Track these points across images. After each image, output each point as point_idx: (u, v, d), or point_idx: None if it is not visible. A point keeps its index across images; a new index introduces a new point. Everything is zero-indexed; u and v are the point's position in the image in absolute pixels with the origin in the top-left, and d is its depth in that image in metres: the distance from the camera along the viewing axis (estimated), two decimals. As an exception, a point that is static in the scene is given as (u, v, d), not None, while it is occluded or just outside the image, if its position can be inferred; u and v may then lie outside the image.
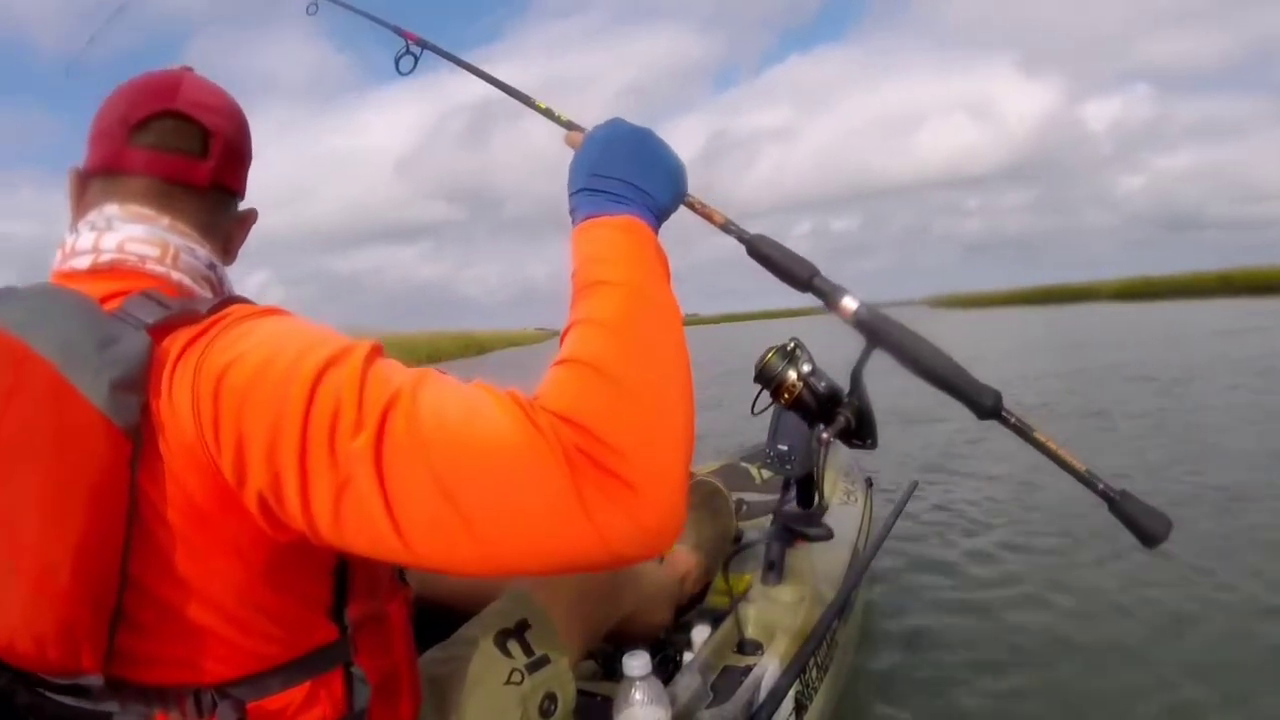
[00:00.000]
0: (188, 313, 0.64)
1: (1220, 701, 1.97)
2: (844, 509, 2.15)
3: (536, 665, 0.99)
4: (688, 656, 1.34)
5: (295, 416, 0.56)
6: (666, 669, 1.31)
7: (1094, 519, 3.49)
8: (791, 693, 1.31)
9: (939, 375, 0.91)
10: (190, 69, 0.80)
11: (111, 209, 0.72)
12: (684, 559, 1.53)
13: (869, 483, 2.49)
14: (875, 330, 0.92)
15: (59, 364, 0.58)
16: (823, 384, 1.24)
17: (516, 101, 1.09)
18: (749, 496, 2.07)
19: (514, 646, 0.99)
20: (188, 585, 0.63)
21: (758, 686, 1.25)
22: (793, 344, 1.28)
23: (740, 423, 1.36)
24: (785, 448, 1.65)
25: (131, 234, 0.71)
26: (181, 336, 0.62)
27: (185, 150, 0.74)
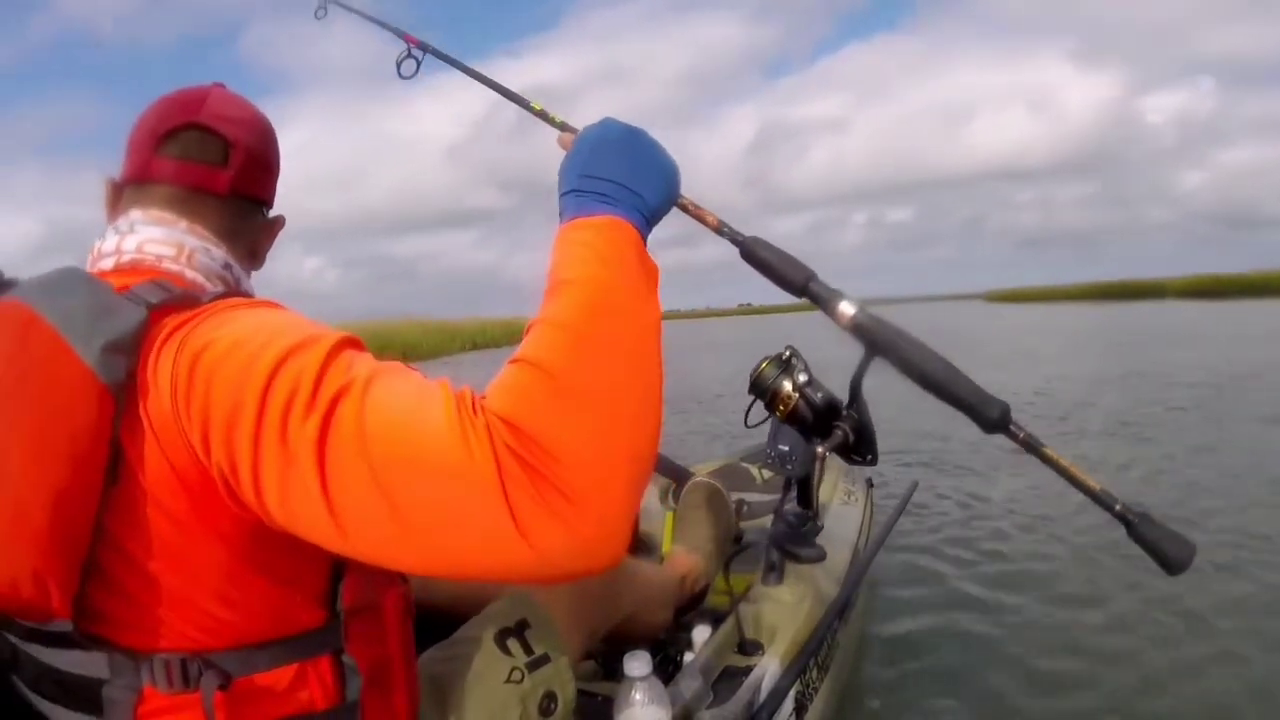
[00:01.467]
0: (188, 298, 0.67)
1: (1223, 704, 1.97)
2: (844, 509, 2.15)
3: (536, 664, 0.99)
4: (688, 657, 1.34)
5: (254, 395, 0.57)
6: (667, 669, 1.31)
7: (1099, 520, 3.49)
8: (792, 693, 1.32)
9: (942, 386, 0.87)
10: (222, 85, 0.85)
11: (135, 214, 0.77)
12: (683, 560, 1.53)
13: (869, 483, 2.49)
14: (875, 338, 0.89)
15: (59, 327, 0.62)
16: (820, 395, 1.19)
17: (537, 108, 1.09)
18: (750, 497, 2.07)
19: (514, 645, 0.99)
20: (169, 553, 0.65)
21: (758, 687, 1.25)
22: (789, 352, 1.23)
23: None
24: (786, 448, 1.65)
25: (150, 235, 0.76)
26: (176, 317, 0.65)
27: (207, 160, 0.79)
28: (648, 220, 0.67)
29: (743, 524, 1.90)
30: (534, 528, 0.52)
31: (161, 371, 0.62)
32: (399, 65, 1.23)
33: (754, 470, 2.42)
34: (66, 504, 0.61)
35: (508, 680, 0.96)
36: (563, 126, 0.91)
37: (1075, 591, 2.70)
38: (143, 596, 0.66)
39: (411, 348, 21.11)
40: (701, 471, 2.30)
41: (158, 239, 0.76)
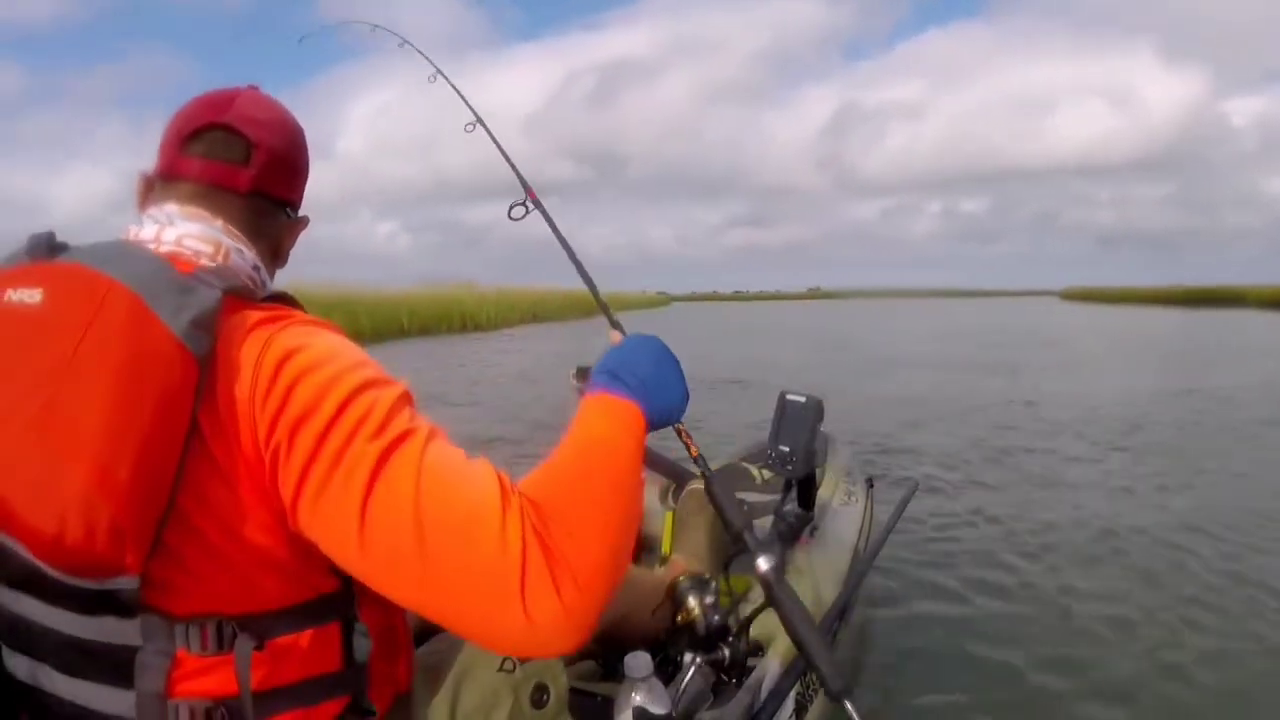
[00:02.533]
0: (248, 290, 0.75)
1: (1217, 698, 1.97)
2: (844, 510, 2.15)
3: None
4: (688, 657, 1.34)
5: (333, 405, 0.67)
6: (667, 670, 1.31)
7: (1095, 522, 3.51)
8: (792, 694, 1.31)
9: (804, 643, 1.06)
10: (255, 87, 0.89)
11: (171, 208, 0.80)
12: (679, 565, 1.54)
13: (869, 483, 2.48)
14: (772, 593, 1.06)
15: (143, 295, 0.66)
16: (716, 618, 1.35)
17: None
18: (750, 497, 2.06)
19: None
20: (225, 521, 0.68)
21: (758, 688, 1.25)
22: (710, 577, 1.42)
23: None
24: (786, 448, 1.65)
25: (188, 230, 0.79)
26: (251, 313, 0.72)
27: (230, 159, 0.82)
28: (650, 421, 0.80)
29: (743, 524, 1.90)
30: (536, 601, 0.63)
31: (245, 357, 0.68)
32: (510, 210, 1.39)
33: (754, 470, 2.42)
34: (150, 463, 0.63)
35: (500, 669, 0.97)
36: (615, 324, 1.10)
37: (1076, 592, 2.70)
38: (189, 562, 0.69)
39: (470, 316, 20.69)
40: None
41: (195, 234, 0.79)
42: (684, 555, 1.57)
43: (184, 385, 0.65)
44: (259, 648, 0.71)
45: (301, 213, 0.91)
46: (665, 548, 1.82)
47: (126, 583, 0.65)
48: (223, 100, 0.84)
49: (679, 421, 0.90)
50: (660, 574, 1.44)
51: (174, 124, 0.84)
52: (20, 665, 0.75)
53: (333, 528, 0.66)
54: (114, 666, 0.71)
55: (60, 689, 0.73)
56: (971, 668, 2.19)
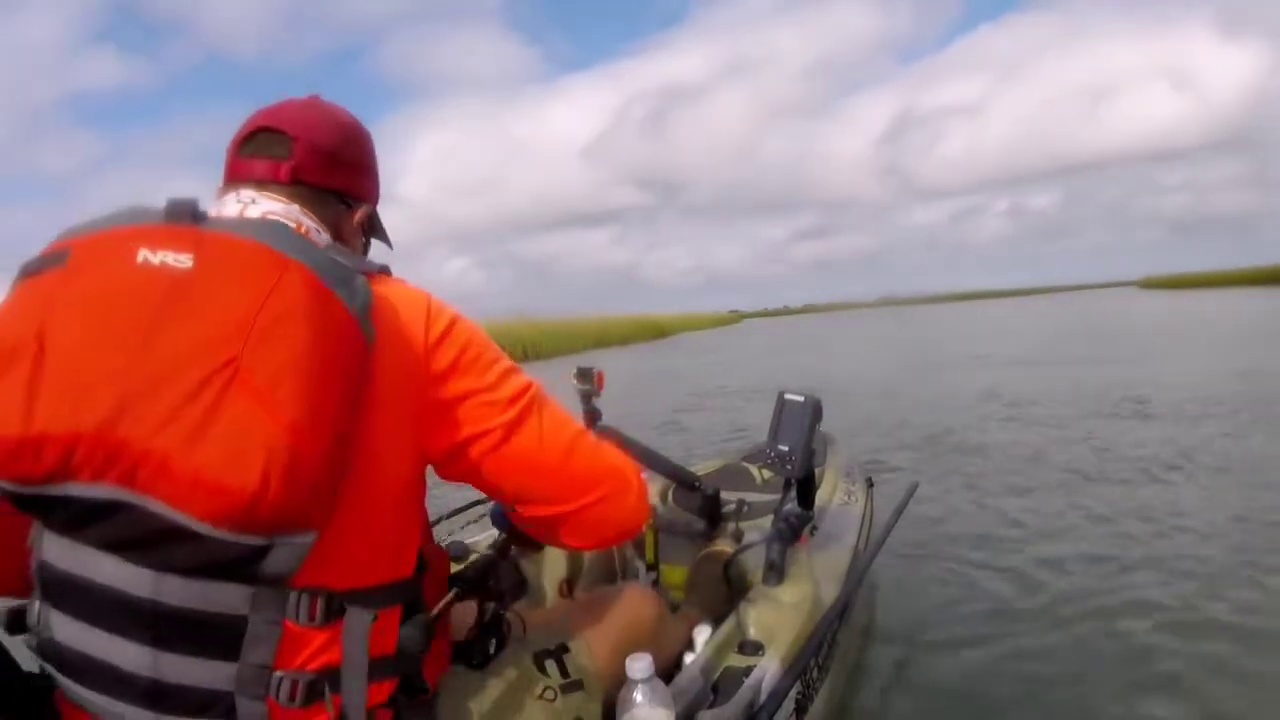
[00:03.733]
0: (374, 269, 0.82)
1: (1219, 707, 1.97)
2: (844, 510, 2.15)
3: (570, 688, 1.02)
4: (689, 657, 1.34)
5: (494, 352, 0.86)
6: (668, 670, 1.31)
7: (1101, 522, 3.51)
8: (792, 694, 1.32)
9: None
10: (316, 96, 0.95)
11: (248, 192, 0.86)
12: (694, 615, 1.56)
13: (869, 483, 2.49)
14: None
15: (319, 275, 0.70)
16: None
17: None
18: (750, 497, 2.07)
19: (551, 666, 1.02)
20: (358, 494, 0.73)
21: (759, 687, 1.26)
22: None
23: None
24: (786, 448, 1.65)
25: (271, 209, 0.85)
26: (385, 287, 0.80)
27: (273, 155, 0.88)
28: None
29: (743, 524, 1.90)
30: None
31: (410, 330, 0.79)
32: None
33: (754, 470, 2.42)
34: (340, 426, 0.68)
35: (539, 697, 0.98)
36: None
37: (1076, 593, 2.70)
38: (322, 540, 0.70)
39: (532, 346, 20.76)
40: (702, 471, 2.30)
41: (278, 212, 0.84)
42: (696, 611, 1.61)
43: (360, 361, 0.71)
44: (374, 620, 0.76)
45: (366, 206, 0.95)
46: (649, 557, 1.85)
47: (304, 537, 0.68)
48: (272, 107, 0.91)
49: None
50: (683, 629, 1.47)
51: (233, 138, 0.92)
52: (81, 635, 0.73)
53: (526, 450, 0.86)
54: (220, 637, 0.71)
55: (140, 661, 0.71)
56: (972, 668, 2.19)
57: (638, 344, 25.26)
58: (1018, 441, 5.22)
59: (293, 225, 0.83)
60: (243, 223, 0.77)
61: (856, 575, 1.73)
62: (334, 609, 0.74)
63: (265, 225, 0.76)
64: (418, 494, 0.84)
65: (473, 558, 1.71)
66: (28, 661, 0.86)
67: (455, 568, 1.69)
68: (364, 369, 0.72)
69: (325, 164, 0.90)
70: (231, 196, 0.86)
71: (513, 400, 0.85)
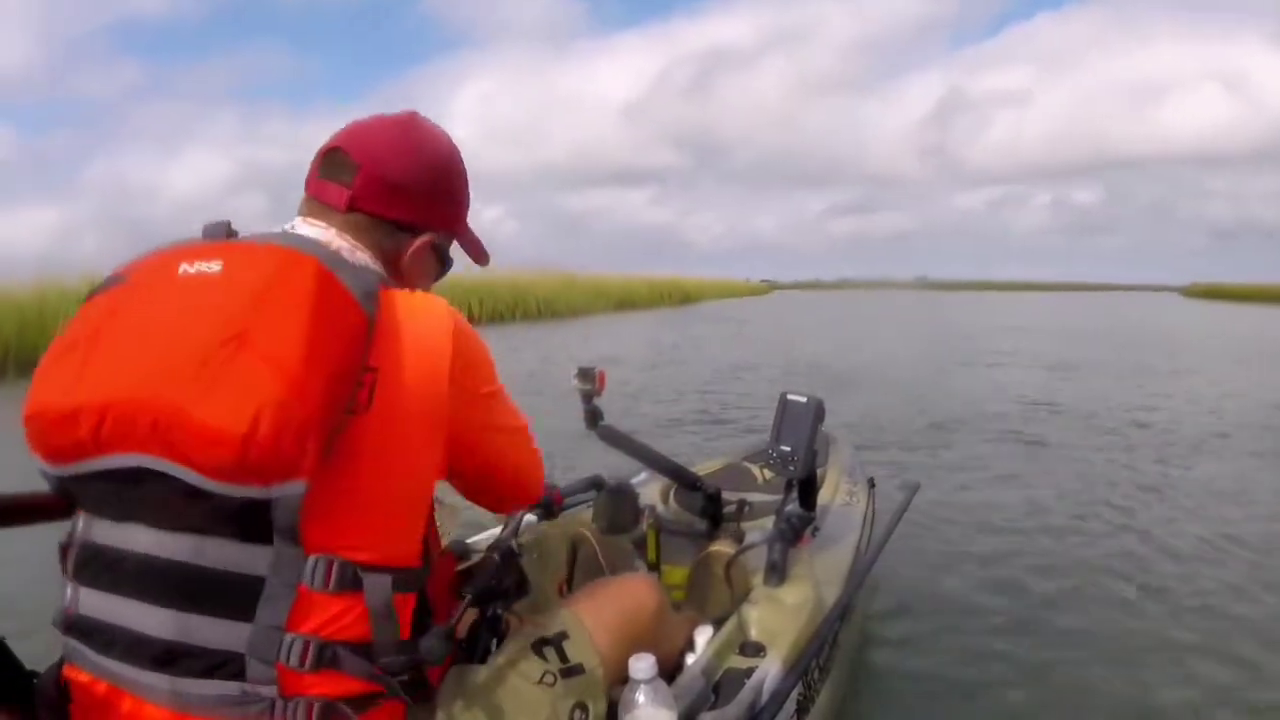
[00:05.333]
0: (383, 279, 0.87)
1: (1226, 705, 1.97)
2: (846, 510, 2.15)
3: (570, 672, 1.01)
4: (690, 658, 1.34)
5: (491, 368, 0.92)
6: (670, 670, 1.31)
7: (1095, 519, 3.51)
8: (794, 695, 1.31)
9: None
10: (413, 113, 0.98)
11: (296, 220, 0.94)
12: (695, 616, 1.56)
13: (871, 483, 2.48)
14: None
15: (324, 262, 0.79)
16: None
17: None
18: (751, 497, 2.06)
19: (550, 652, 1.02)
20: (391, 469, 0.79)
21: (760, 688, 1.25)
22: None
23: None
24: (788, 448, 1.65)
25: (306, 233, 0.90)
26: (399, 292, 0.86)
27: (338, 179, 0.92)
28: None
29: (745, 524, 1.90)
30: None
31: (418, 322, 0.83)
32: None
33: (755, 470, 2.42)
34: (332, 382, 0.74)
35: (539, 682, 0.98)
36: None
37: (1077, 593, 2.70)
38: (336, 502, 0.77)
39: (546, 304, 20.01)
40: (703, 471, 2.29)
41: (310, 237, 0.90)
42: (700, 612, 1.61)
43: (358, 333, 0.77)
44: (391, 594, 0.79)
45: (434, 236, 0.98)
46: (651, 555, 1.85)
47: (294, 488, 0.73)
48: (355, 126, 0.95)
49: None
50: (686, 627, 1.46)
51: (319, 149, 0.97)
52: (106, 606, 0.80)
53: (499, 431, 0.93)
54: (236, 597, 0.76)
55: (156, 625, 0.77)
56: (974, 669, 2.19)
57: (664, 309, 24.12)
58: (1028, 444, 5.22)
59: (324, 243, 0.88)
60: (269, 234, 0.87)
61: (858, 576, 1.73)
62: (347, 578, 0.77)
63: (289, 235, 0.87)
64: (425, 488, 0.85)
65: (474, 558, 1.72)
66: (28, 659, 0.86)
67: (458, 565, 1.70)
68: (361, 338, 0.77)
69: (388, 195, 0.92)
70: (285, 227, 0.93)
71: (504, 429, 0.96)
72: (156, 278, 0.82)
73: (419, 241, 0.96)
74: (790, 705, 1.31)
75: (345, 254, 0.89)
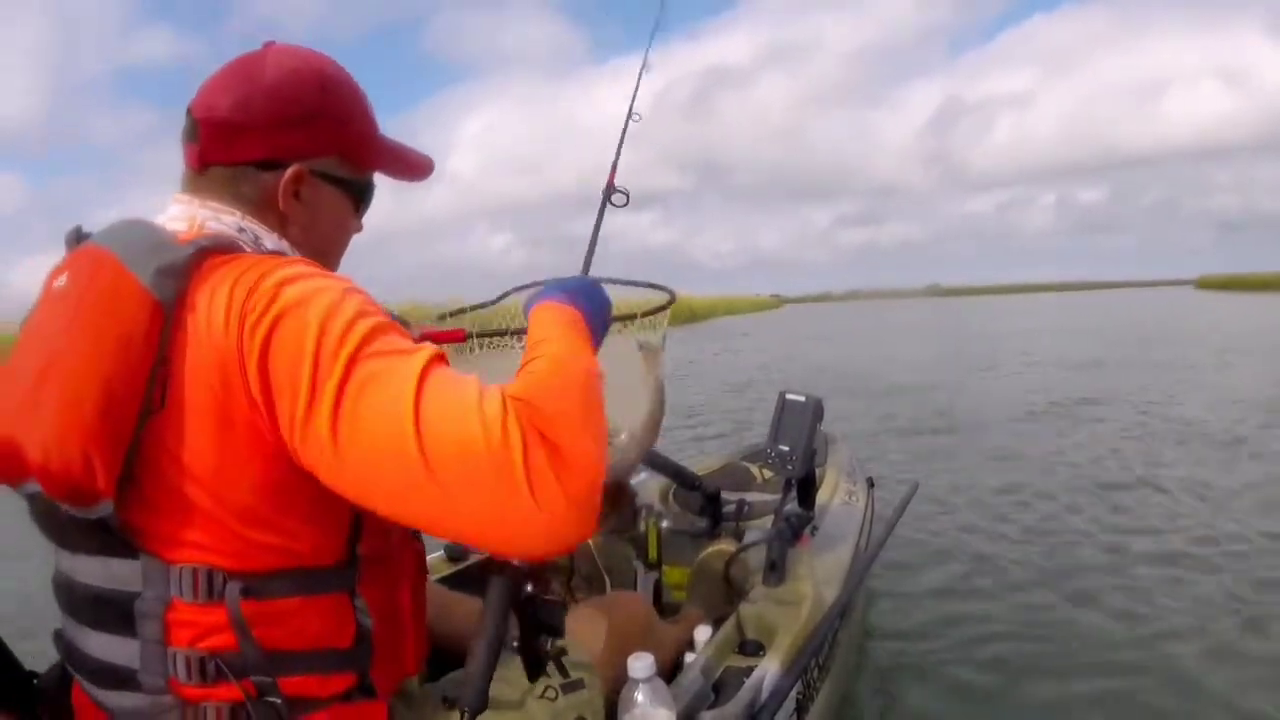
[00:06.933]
0: (231, 245, 0.77)
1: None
2: (845, 510, 2.15)
3: (571, 687, 1.01)
4: (690, 657, 1.34)
5: (327, 329, 0.69)
6: (669, 670, 1.31)
7: (1095, 521, 3.51)
8: (793, 694, 1.32)
9: None
10: (270, 43, 0.87)
11: (171, 201, 0.86)
12: (695, 617, 1.57)
13: (870, 483, 2.48)
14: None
15: (121, 257, 0.73)
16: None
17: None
18: (750, 496, 2.07)
19: (550, 667, 1.01)
20: (201, 470, 0.72)
21: (760, 687, 1.26)
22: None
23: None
24: (786, 448, 1.65)
25: (171, 214, 0.84)
26: (233, 262, 0.75)
27: (190, 140, 0.84)
28: (589, 322, 0.87)
29: (744, 524, 1.90)
30: (542, 489, 0.65)
31: (223, 297, 0.71)
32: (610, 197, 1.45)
33: (755, 470, 2.42)
34: (112, 393, 0.69)
35: (541, 696, 0.98)
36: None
37: (1078, 593, 2.70)
38: (173, 509, 0.72)
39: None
40: (703, 471, 2.30)
41: (175, 215, 0.83)
42: (700, 609, 1.62)
43: (149, 325, 0.70)
44: (247, 597, 0.73)
45: (303, 163, 0.85)
46: (652, 553, 1.85)
47: (105, 508, 0.71)
48: (203, 84, 0.86)
49: (607, 324, 0.97)
50: (682, 629, 1.47)
51: None
52: (68, 627, 0.81)
53: (335, 443, 0.67)
54: (121, 614, 0.74)
55: (88, 644, 0.78)
56: (973, 667, 2.20)
57: (669, 329, 24.43)
58: (1029, 444, 5.22)
59: (183, 226, 0.81)
60: (106, 228, 0.80)
61: (857, 575, 1.73)
62: (217, 586, 0.73)
63: (119, 224, 0.80)
64: (252, 487, 0.73)
65: (472, 558, 1.72)
66: (27, 661, 0.87)
67: (454, 568, 1.70)
68: (153, 329, 0.70)
69: (227, 135, 0.82)
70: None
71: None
72: (42, 296, 0.81)
73: (285, 175, 0.84)
74: (790, 704, 1.31)
75: (210, 223, 0.81)
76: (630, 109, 1.52)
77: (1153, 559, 3.01)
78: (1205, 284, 65.15)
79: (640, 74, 1.58)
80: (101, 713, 0.79)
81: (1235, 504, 3.69)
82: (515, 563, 0.90)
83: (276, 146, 0.84)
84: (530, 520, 0.65)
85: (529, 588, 0.91)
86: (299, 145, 0.85)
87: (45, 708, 0.84)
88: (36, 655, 0.88)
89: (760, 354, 13.26)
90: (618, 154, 1.46)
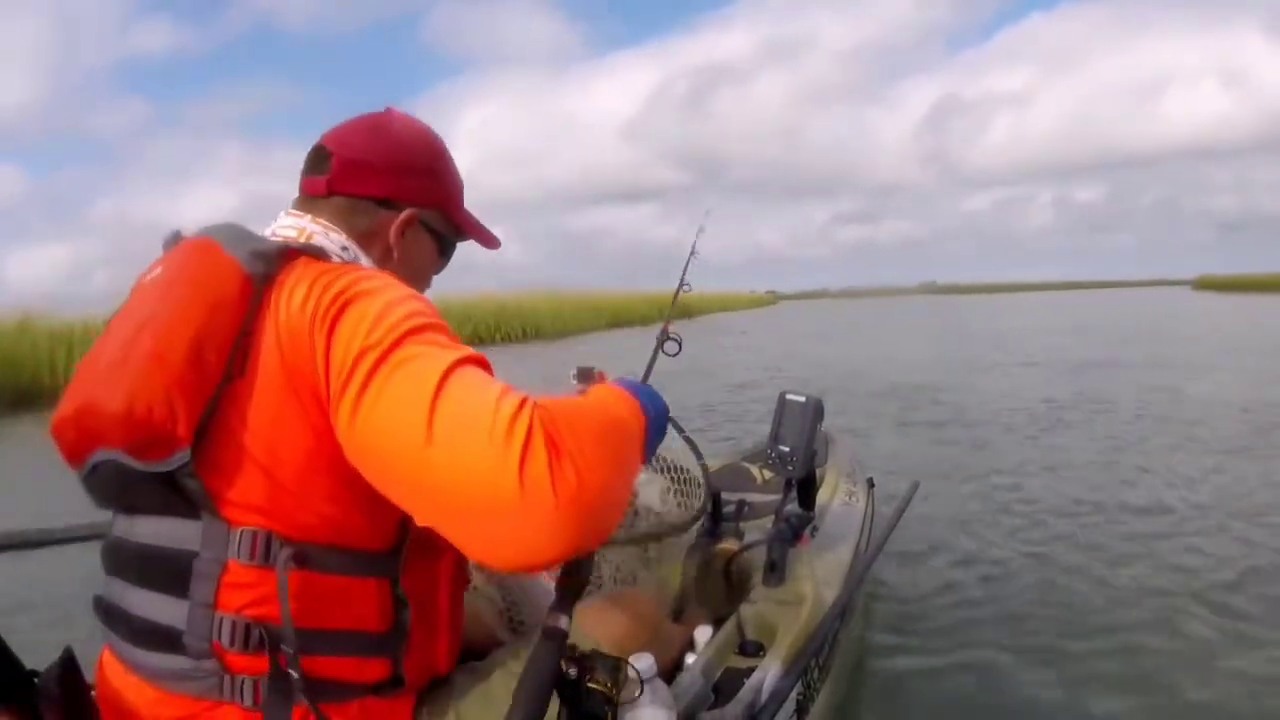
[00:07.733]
0: (321, 253, 0.87)
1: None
2: (845, 510, 2.15)
3: None
4: (690, 658, 1.34)
5: (382, 324, 0.76)
6: (669, 671, 1.31)
7: (1096, 519, 3.51)
8: (793, 694, 1.32)
9: None
10: (390, 109, 1.02)
11: (282, 214, 0.97)
12: (695, 616, 1.56)
13: (870, 483, 2.49)
14: None
15: (220, 240, 0.83)
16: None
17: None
18: (750, 497, 2.07)
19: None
20: (268, 439, 0.77)
21: (759, 688, 1.25)
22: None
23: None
24: (786, 448, 1.65)
25: (282, 224, 0.94)
26: (320, 263, 0.84)
27: (318, 171, 0.96)
28: (644, 409, 0.88)
29: (744, 524, 1.90)
30: (532, 487, 0.64)
31: (305, 287, 0.79)
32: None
33: (755, 470, 2.43)
34: (202, 349, 0.76)
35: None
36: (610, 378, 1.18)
37: (1078, 592, 2.70)
38: (239, 474, 0.77)
39: (533, 325, 19.24)
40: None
41: (286, 225, 0.94)
42: (701, 611, 1.61)
43: (239, 296, 0.78)
44: (298, 565, 0.77)
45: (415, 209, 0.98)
46: (651, 555, 1.84)
47: (181, 457, 0.75)
48: (336, 126, 0.99)
49: (663, 430, 0.98)
50: (686, 630, 1.47)
51: None
52: (110, 588, 0.86)
53: (354, 417, 0.72)
54: (174, 573, 0.78)
55: (133, 602, 0.82)
56: (973, 668, 2.19)
57: (657, 324, 24.49)
58: (1028, 444, 5.22)
59: (293, 234, 0.91)
60: (204, 229, 0.89)
61: (857, 576, 1.73)
62: (274, 551, 0.77)
63: (213, 225, 0.88)
64: (318, 460, 0.78)
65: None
66: (27, 659, 0.87)
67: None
68: (243, 299, 0.78)
69: (358, 172, 0.95)
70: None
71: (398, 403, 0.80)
72: (132, 292, 0.90)
73: (401, 216, 0.97)
74: (790, 705, 1.31)
75: (319, 236, 0.91)
76: (681, 280, 2.04)
77: (1155, 559, 3.01)
78: (1204, 284, 65.15)
79: (689, 259, 2.10)
80: (131, 677, 0.83)
81: (1238, 503, 3.69)
82: (561, 624, 0.83)
83: (398, 189, 0.97)
84: (510, 518, 0.65)
85: (571, 672, 0.84)
86: (413, 193, 0.98)
87: (45, 707, 0.84)
88: (36, 656, 0.88)
89: (760, 354, 13.25)
90: (671, 311, 1.76)
